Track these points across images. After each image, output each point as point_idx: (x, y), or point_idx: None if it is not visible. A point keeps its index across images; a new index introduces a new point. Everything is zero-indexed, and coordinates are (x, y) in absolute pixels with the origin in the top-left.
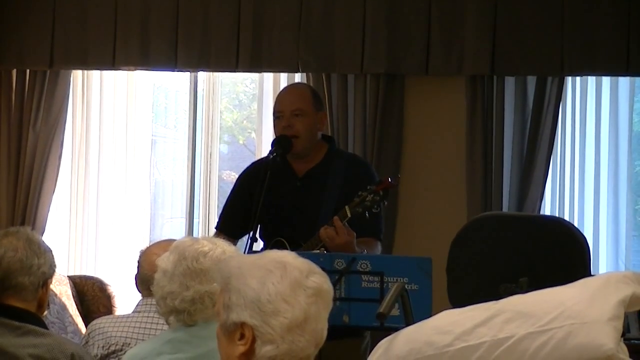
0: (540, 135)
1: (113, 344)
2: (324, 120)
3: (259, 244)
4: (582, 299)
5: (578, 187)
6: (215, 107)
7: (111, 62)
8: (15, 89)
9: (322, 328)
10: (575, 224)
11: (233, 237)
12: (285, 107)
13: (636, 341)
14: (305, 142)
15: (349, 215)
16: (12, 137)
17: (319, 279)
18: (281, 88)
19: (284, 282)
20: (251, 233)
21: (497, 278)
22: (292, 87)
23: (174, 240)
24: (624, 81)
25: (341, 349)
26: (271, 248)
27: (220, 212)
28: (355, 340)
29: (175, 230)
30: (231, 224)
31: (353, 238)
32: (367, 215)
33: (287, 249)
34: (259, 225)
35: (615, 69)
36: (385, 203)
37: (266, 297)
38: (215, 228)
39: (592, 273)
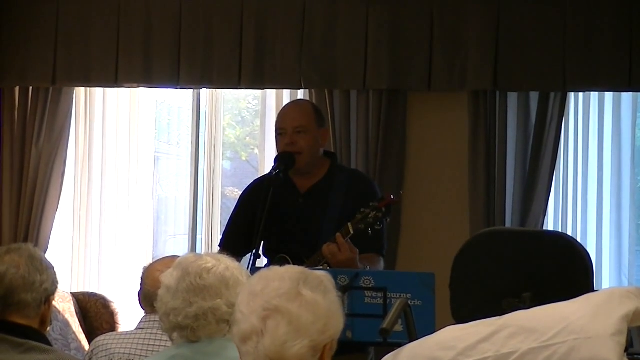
0: (543, 151)
1: None
2: (326, 136)
3: (262, 261)
4: (586, 314)
5: (581, 202)
6: (218, 123)
7: (114, 79)
8: (18, 106)
9: (279, 344)
10: (578, 239)
11: (237, 255)
12: (288, 124)
13: (639, 356)
14: (308, 159)
15: (352, 232)
16: (15, 154)
17: (283, 300)
18: (284, 104)
19: (245, 292)
20: (254, 249)
21: (500, 293)
22: (294, 104)
23: (178, 256)
24: (626, 97)
25: None
26: (273, 264)
27: (223, 229)
28: (359, 356)
29: (178, 246)
30: (235, 242)
31: (356, 255)
32: (369, 231)
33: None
34: (262, 242)
35: (617, 85)
36: (388, 220)
37: (236, 308)
38: (219, 246)
39: (595, 288)
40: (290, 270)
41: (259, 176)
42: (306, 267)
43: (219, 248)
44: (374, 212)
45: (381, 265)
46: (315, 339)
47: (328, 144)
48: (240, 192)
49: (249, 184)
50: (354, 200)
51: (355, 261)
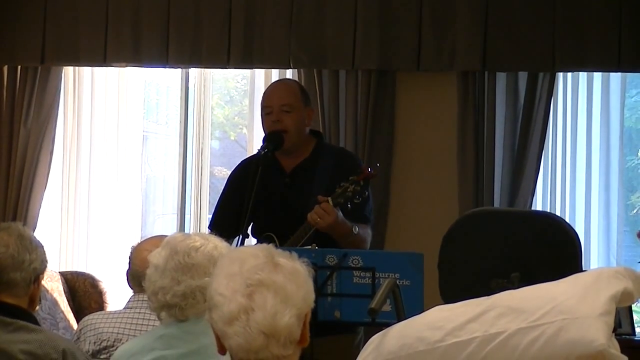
0: (532, 131)
1: (104, 339)
2: (311, 115)
3: (250, 241)
4: (574, 294)
5: (569, 182)
6: (206, 103)
7: (102, 58)
8: (7, 85)
9: (270, 316)
10: (567, 220)
11: (226, 236)
12: (274, 102)
13: (627, 336)
14: (294, 138)
15: (332, 205)
16: (3, 134)
17: (265, 272)
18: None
19: (221, 276)
20: (242, 230)
21: (488, 274)
22: (280, 83)
23: (166, 236)
24: (615, 77)
25: (334, 345)
26: (260, 243)
27: (211, 209)
28: (348, 337)
29: (166, 226)
30: (224, 223)
31: (338, 215)
32: (349, 205)
33: (275, 243)
34: (250, 223)
35: (606, 65)
36: (367, 193)
37: (210, 293)
38: (208, 228)
39: (583, 268)
40: (259, 247)
41: (247, 156)
42: (293, 244)
43: (208, 230)
44: (353, 186)
45: (369, 231)
46: (300, 307)
47: (317, 123)
48: (229, 172)
49: (237, 163)
50: (340, 177)
51: (344, 221)
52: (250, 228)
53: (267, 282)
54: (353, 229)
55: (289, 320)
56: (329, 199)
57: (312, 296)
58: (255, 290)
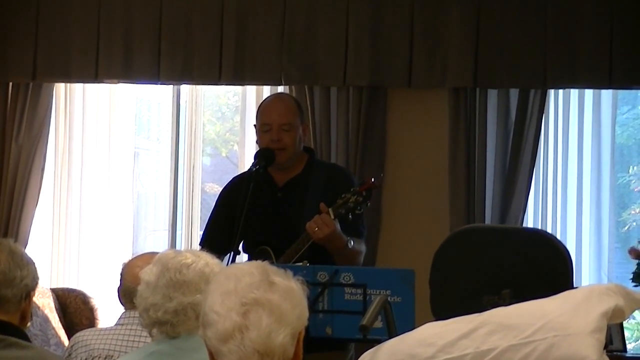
0: (523, 148)
1: (96, 356)
2: (307, 130)
3: (242, 257)
4: (565, 311)
5: (561, 199)
6: (198, 119)
7: (94, 75)
8: None
9: (265, 335)
10: (558, 236)
11: (218, 253)
12: (274, 120)
13: (618, 353)
14: (291, 154)
15: (333, 217)
16: None
17: (260, 291)
18: (264, 99)
19: (216, 293)
20: (234, 246)
21: (479, 290)
22: (278, 99)
23: (157, 252)
24: (606, 94)
25: None
26: (255, 257)
27: (202, 225)
28: (340, 353)
29: (158, 242)
30: (215, 240)
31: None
32: (350, 217)
33: (271, 256)
34: (242, 239)
35: (597, 82)
36: (369, 204)
37: (204, 310)
38: (200, 245)
39: (574, 285)
40: (254, 264)
41: (239, 173)
42: (286, 260)
43: (199, 247)
44: (355, 197)
45: (363, 246)
46: (294, 326)
47: (309, 139)
48: (220, 188)
49: (228, 180)
50: (332, 193)
51: (339, 233)
52: (242, 244)
53: (262, 301)
54: (348, 243)
55: (284, 339)
56: (330, 209)
57: (307, 314)
58: (250, 309)
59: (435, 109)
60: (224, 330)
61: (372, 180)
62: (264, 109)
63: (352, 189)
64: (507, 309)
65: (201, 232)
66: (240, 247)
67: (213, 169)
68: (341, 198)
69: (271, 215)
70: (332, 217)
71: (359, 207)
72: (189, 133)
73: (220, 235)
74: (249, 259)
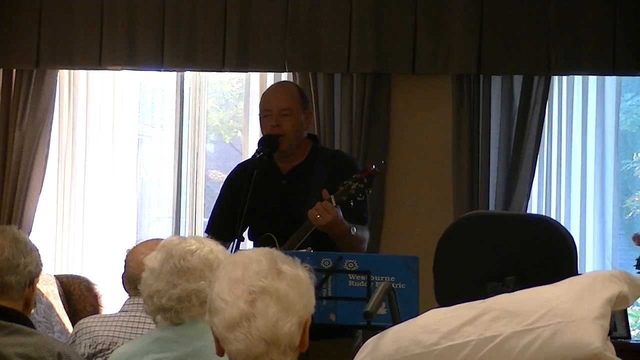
0: (527, 134)
1: (100, 343)
2: (310, 119)
3: (246, 244)
4: (569, 297)
5: (565, 186)
6: (201, 106)
7: (97, 61)
8: (2, 88)
9: (272, 324)
10: (562, 223)
11: (223, 240)
12: (274, 106)
13: (622, 340)
14: (292, 141)
15: (334, 204)
16: None
17: (268, 280)
18: (267, 87)
19: (224, 280)
20: (238, 233)
21: (484, 277)
22: (279, 85)
23: (161, 239)
24: (610, 80)
25: (333, 348)
26: (260, 244)
27: (207, 212)
28: (347, 340)
29: (162, 229)
30: (220, 227)
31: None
32: (351, 203)
33: (275, 243)
34: (247, 226)
35: (601, 69)
36: (370, 191)
37: (211, 296)
38: (205, 232)
39: (579, 272)
40: (262, 251)
41: (243, 160)
42: (289, 247)
43: (205, 234)
44: (356, 184)
45: (366, 232)
46: (301, 315)
47: (312, 126)
48: (224, 175)
49: (232, 167)
50: (335, 176)
51: (343, 221)
52: (247, 231)
53: (270, 289)
54: (351, 230)
55: (290, 328)
56: (332, 196)
57: (313, 302)
58: (258, 298)
59: (439, 96)
60: (231, 318)
61: (373, 167)
62: (264, 96)
63: (353, 176)
64: (511, 295)
65: (205, 220)
66: (245, 234)
67: (217, 156)
68: (342, 185)
69: (276, 202)
70: (334, 204)
71: (360, 194)
72: (193, 120)
73: (225, 222)
74: (254, 246)
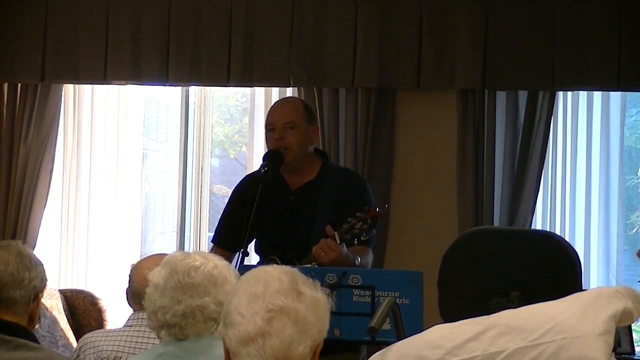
0: (532, 150)
1: (104, 357)
2: (316, 133)
3: (251, 258)
4: (574, 313)
5: (569, 201)
6: (206, 121)
7: (102, 76)
8: (7, 102)
9: (286, 345)
10: (567, 238)
11: (229, 251)
12: (277, 120)
13: (627, 355)
14: (296, 155)
15: (338, 241)
16: (3, 151)
17: (288, 300)
18: (272, 102)
19: (243, 295)
20: (242, 247)
21: (488, 292)
22: (284, 101)
23: (166, 254)
24: (615, 96)
25: None
26: (262, 263)
27: (211, 227)
28: (351, 355)
29: (166, 244)
30: (227, 237)
31: (342, 251)
32: (355, 242)
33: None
34: (254, 239)
35: (606, 84)
36: (374, 231)
37: (228, 309)
38: (212, 242)
39: (583, 287)
40: (283, 270)
41: (250, 172)
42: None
43: (211, 244)
44: (360, 224)
45: (370, 256)
46: (315, 338)
47: (317, 141)
48: (229, 190)
49: (237, 182)
50: (345, 199)
51: (345, 258)
52: (253, 244)
53: (289, 310)
54: (355, 261)
55: (304, 350)
56: (336, 233)
57: (327, 327)
58: (276, 317)
59: (443, 111)
60: (246, 334)
61: (377, 209)
62: (269, 111)
63: (357, 215)
64: (516, 311)
65: (210, 234)
66: (252, 248)
67: (221, 171)
68: (347, 223)
69: (283, 218)
70: (338, 241)
71: (364, 234)
72: (198, 134)
73: (231, 234)
74: (260, 262)
